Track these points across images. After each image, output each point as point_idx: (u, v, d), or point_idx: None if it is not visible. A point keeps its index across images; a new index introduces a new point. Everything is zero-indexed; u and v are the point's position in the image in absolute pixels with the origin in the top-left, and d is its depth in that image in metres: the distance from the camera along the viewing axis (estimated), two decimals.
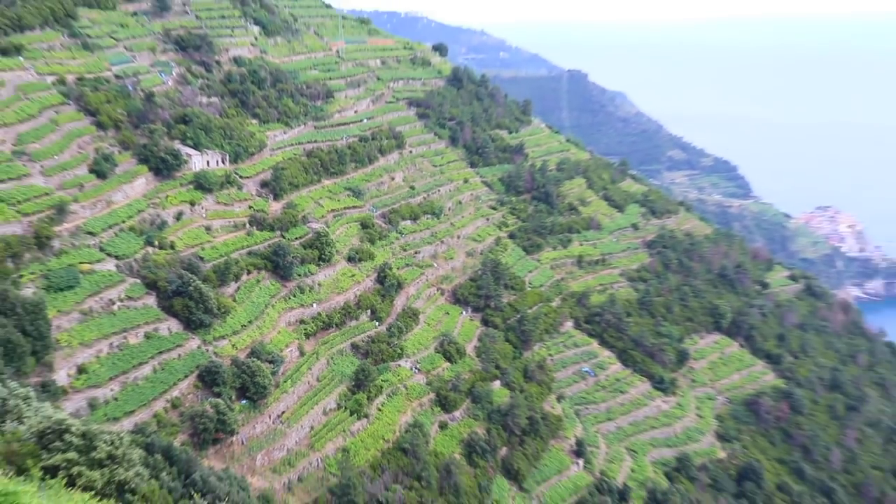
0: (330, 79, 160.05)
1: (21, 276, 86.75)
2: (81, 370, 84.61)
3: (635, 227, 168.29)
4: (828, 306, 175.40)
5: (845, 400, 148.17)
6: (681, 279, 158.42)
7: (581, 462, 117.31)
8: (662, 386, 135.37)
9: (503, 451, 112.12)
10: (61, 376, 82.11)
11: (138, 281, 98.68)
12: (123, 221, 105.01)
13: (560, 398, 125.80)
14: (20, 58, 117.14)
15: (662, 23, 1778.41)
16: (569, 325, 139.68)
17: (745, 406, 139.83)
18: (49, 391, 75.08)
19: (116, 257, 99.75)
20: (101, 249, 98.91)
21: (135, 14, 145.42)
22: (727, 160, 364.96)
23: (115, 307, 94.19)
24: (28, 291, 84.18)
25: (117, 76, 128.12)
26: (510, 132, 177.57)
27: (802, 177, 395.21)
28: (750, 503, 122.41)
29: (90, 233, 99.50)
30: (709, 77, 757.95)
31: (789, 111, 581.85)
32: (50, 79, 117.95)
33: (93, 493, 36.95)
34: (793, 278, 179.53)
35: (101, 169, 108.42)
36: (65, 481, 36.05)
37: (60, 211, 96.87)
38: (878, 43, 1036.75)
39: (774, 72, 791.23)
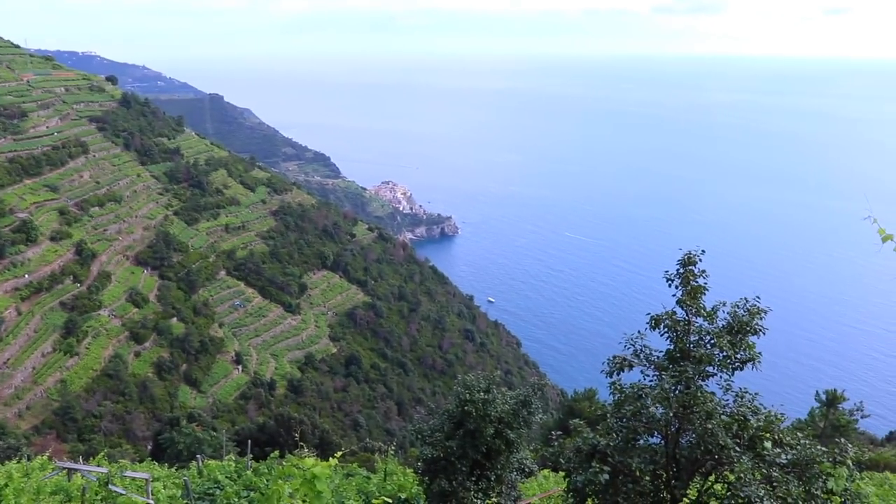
0: (23, 102, 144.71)
1: None
2: None
3: (264, 202, 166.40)
4: (393, 246, 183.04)
5: (408, 305, 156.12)
6: (297, 235, 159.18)
7: (240, 368, 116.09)
8: (291, 309, 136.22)
9: (184, 366, 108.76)
10: None
11: None
12: None
13: (221, 325, 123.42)
14: None
15: (282, 57, 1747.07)
16: (223, 273, 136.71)
17: (346, 316, 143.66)
18: None
19: None
20: None
21: None
22: (323, 153, 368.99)
23: None
24: None
25: None
26: (169, 139, 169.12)
27: (372, 163, 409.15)
28: (355, 379, 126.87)
29: None
30: (311, 98, 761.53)
31: (363, 121, 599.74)
32: None
33: None
34: (370, 230, 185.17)
35: None
36: None
37: None
38: (430, 79, 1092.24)
39: (359, 96, 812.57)
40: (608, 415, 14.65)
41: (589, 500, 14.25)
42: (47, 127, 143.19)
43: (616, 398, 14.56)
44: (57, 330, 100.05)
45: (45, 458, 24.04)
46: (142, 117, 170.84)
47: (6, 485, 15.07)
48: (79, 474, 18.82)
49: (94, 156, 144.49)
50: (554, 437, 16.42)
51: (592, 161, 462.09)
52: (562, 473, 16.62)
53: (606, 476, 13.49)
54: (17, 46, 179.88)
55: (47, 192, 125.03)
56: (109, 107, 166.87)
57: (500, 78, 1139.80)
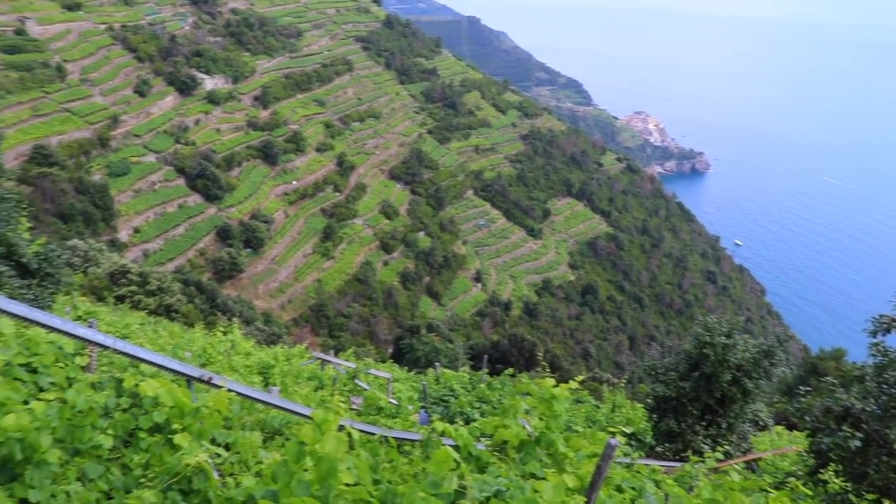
0: (299, 23, 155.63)
1: (91, 167, 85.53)
2: (137, 230, 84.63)
3: (514, 125, 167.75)
4: (640, 179, 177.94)
5: (651, 239, 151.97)
6: (545, 161, 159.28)
7: (479, 285, 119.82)
8: (533, 233, 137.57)
9: (427, 279, 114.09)
10: (123, 235, 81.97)
11: (172, 168, 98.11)
12: (159, 127, 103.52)
13: (465, 242, 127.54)
14: (81, 12, 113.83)
15: None
16: (470, 192, 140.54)
17: (587, 245, 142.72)
18: (115, 246, 74.88)
19: (155, 152, 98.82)
20: (145, 147, 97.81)
21: None
22: (576, 79, 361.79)
23: (156, 187, 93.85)
24: (96, 177, 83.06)
25: (149, 24, 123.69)
26: (427, 59, 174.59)
27: (625, 92, 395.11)
28: (590, 309, 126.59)
29: (136, 135, 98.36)
30: (566, 22, 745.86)
31: (618, 48, 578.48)
32: (102, 27, 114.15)
33: (148, 312, 37.61)
34: (618, 160, 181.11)
35: (141, 90, 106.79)
36: (130, 306, 36.51)
37: (115, 120, 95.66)
38: (692, 4, 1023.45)
39: (615, 21, 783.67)
40: (866, 377, 13.19)
41: (831, 465, 13.06)
42: (318, 46, 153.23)
43: (878, 361, 13.06)
44: (317, 234, 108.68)
45: (303, 347, 26.34)
46: (402, 38, 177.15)
47: (273, 365, 16.70)
48: (331, 366, 20.19)
49: (358, 73, 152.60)
50: (802, 393, 15.16)
51: (866, 100, 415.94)
52: (799, 433, 15.39)
53: (858, 443, 12.23)
54: None
55: (315, 106, 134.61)
56: (373, 27, 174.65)
57: (767, 5, 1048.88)
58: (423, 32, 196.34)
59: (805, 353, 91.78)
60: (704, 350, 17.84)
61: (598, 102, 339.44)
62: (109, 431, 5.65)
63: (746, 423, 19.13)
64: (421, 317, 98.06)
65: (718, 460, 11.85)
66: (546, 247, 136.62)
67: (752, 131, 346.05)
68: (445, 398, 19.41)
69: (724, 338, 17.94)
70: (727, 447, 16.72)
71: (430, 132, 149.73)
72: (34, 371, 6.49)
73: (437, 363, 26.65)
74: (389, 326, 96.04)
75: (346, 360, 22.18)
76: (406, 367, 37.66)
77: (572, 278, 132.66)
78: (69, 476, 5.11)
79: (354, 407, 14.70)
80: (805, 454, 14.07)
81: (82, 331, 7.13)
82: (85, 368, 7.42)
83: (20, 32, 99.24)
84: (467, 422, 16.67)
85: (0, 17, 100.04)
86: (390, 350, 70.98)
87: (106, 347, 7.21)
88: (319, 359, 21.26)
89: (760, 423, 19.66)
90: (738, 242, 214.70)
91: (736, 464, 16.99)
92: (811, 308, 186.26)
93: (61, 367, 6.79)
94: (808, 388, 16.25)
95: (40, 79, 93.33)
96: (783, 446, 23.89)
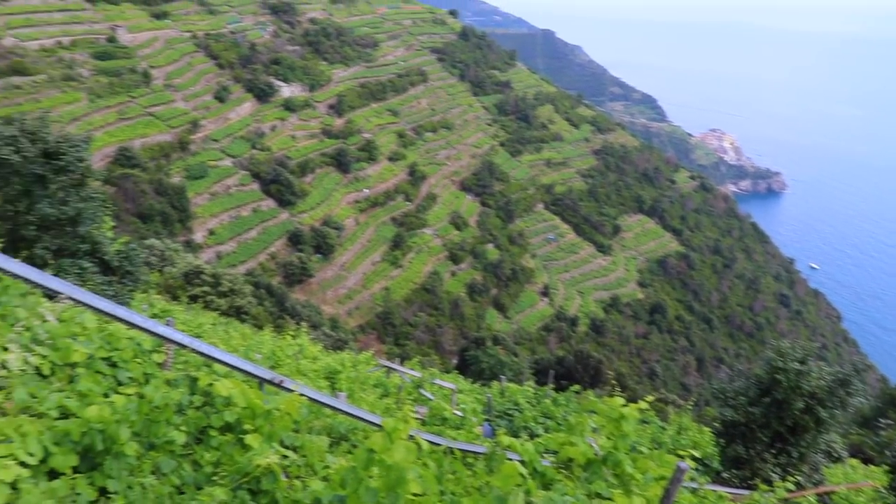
0: (376, 34, 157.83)
1: (170, 169, 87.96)
2: (211, 232, 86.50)
3: (587, 140, 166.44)
4: (714, 197, 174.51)
5: (723, 260, 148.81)
6: (617, 177, 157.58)
7: (546, 300, 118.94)
8: (602, 249, 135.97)
9: (494, 291, 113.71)
10: (198, 237, 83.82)
11: (247, 173, 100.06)
12: (236, 132, 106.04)
13: (533, 256, 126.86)
14: (168, 21, 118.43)
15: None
16: (540, 206, 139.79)
17: (657, 263, 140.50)
18: (190, 246, 76.69)
19: (232, 157, 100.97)
20: (222, 151, 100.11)
21: None
22: (650, 95, 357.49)
23: (231, 190, 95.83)
24: (175, 179, 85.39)
25: (231, 32, 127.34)
26: (501, 72, 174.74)
27: (699, 109, 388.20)
28: (658, 328, 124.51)
29: (214, 140, 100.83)
30: (641, 36, 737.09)
31: (693, 63, 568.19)
32: (187, 35, 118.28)
33: (219, 313, 38.38)
34: (692, 178, 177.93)
35: (221, 96, 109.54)
36: (202, 305, 37.31)
37: (195, 125, 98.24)
38: (769, 19, 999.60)
39: (690, 36, 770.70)
40: None
41: None
42: (394, 56, 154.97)
43: None
44: (386, 242, 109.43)
45: (369, 354, 26.56)
46: (477, 50, 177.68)
47: (340, 371, 16.88)
48: (396, 374, 20.30)
49: (432, 84, 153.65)
50: (882, 426, 14.60)
51: None
52: (876, 468, 14.79)
53: None
54: None
55: (389, 115, 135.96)
56: (449, 39, 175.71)
57: (847, 20, 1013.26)
58: (498, 45, 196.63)
59: (884, 384, 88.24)
60: (776, 375, 17.34)
61: (673, 119, 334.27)
62: (183, 428, 5.78)
63: (819, 454, 18.50)
64: (487, 329, 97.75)
65: (789, 490, 11.48)
66: (615, 263, 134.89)
67: (831, 151, 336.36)
68: (510, 412, 19.30)
69: (797, 364, 17.41)
70: (798, 477, 16.20)
71: (502, 144, 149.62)
72: (114, 365, 6.70)
73: (501, 376, 26.55)
74: (455, 337, 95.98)
75: (412, 369, 22.28)
76: (470, 379, 37.52)
77: (641, 296, 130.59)
78: (144, 469, 5.25)
79: (419, 416, 14.76)
80: (885, 491, 13.55)
81: (162, 329, 7.34)
82: (161, 365, 7.64)
83: (111, 40, 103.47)
84: (531, 437, 16.53)
85: (94, 25, 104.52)
86: (455, 361, 70.94)
87: (184, 346, 7.41)
88: (385, 366, 21.43)
89: (834, 454, 19.01)
90: (814, 266, 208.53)
91: (807, 495, 16.46)
92: (890, 337, 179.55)
93: (139, 363, 6.99)
94: (889, 422, 15.59)
95: (128, 84, 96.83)
96: (858, 480, 23.02)
